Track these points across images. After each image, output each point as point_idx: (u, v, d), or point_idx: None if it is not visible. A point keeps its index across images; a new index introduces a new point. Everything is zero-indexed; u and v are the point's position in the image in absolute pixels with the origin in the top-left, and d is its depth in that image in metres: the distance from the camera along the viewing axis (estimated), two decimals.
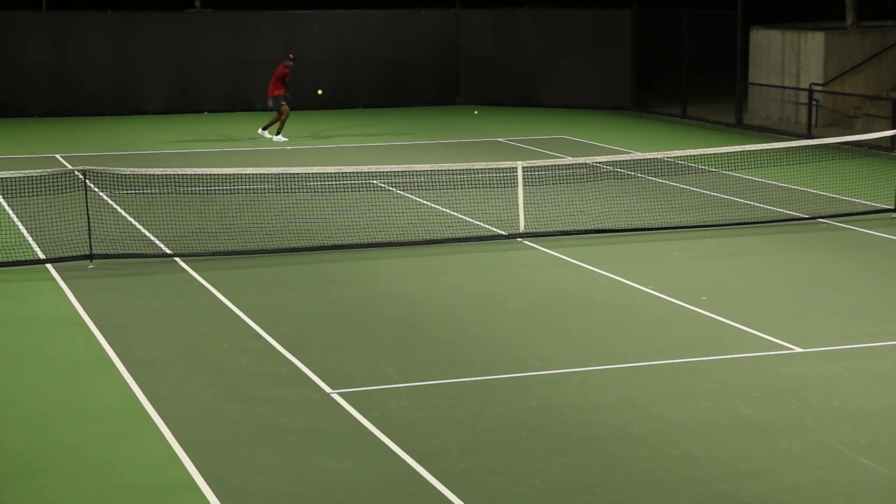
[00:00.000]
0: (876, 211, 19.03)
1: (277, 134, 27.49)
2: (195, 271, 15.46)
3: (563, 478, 9.14)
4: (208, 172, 18.06)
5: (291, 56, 27.61)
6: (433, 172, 20.40)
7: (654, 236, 17.46)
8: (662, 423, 10.22)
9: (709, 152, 20.38)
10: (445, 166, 19.13)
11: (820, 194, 20.39)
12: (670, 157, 21.87)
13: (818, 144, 21.46)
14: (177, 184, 20.24)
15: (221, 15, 33.84)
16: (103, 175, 18.12)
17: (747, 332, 12.79)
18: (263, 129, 27.73)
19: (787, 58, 30.39)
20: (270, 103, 27.34)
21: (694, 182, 21.42)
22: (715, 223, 18.12)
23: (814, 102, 28.74)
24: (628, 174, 21.73)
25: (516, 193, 17.67)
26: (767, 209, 19.19)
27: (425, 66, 34.76)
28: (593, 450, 9.67)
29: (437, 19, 34.88)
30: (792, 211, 19.07)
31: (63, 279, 15.11)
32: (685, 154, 20.09)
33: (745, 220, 18.35)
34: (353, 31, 34.16)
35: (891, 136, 21.65)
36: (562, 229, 17.58)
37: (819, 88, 29.06)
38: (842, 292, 14.56)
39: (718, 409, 10.54)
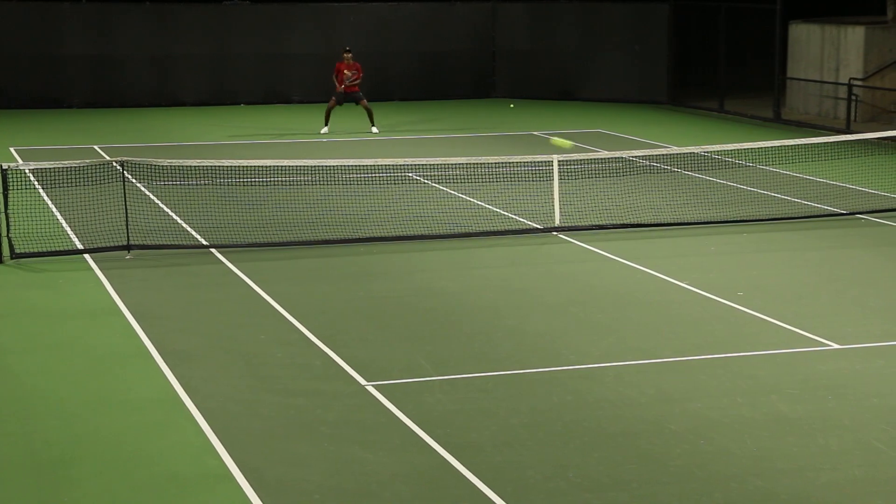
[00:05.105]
0: None
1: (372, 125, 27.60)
2: (231, 262, 15.52)
3: (597, 472, 9.13)
4: (244, 164, 18.08)
5: (344, 49, 27.48)
6: (469, 165, 20.38)
7: (689, 231, 17.39)
8: (698, 418, 10.19)
9: (746, 147, 20.27)
10: (481, 159, 19.12)
11: (859, 190, 20.25)
12: (707, 152, 21.77)
13: (857, 139, 21.31)
14: (213, 175, 20.31)
15: (259, 7, 33.94)
16: (141, 166, 18.21)
17: (784, 327, 12.72)
18: (372, 125, 27.56)
19: (826, 52, 30.18)
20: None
21: (730, 177, 21.30)
22: (752, 218, 18.03)
23: (853, 97, 28.54)
24: (664, 168, 21.62)
25: (552, 187, 17.64)
26: (805, 205, 19.07)
27: (461, 59, 34.74)
28: (628, 445, 9.65)
29: (474, 12, 34.86)
30: (830, 206, 18.95)
31: (101, 269, 15.20)
32: (722, 148, 19.99)
33: (783, 216, 18.24)
34: (389, 24, 34.19)
35: None
36: (597, 223, 17.54)
37: (858, 83, 28.85)
38: (880, 289, 14.45)
39: (754, 405, 10.49)
